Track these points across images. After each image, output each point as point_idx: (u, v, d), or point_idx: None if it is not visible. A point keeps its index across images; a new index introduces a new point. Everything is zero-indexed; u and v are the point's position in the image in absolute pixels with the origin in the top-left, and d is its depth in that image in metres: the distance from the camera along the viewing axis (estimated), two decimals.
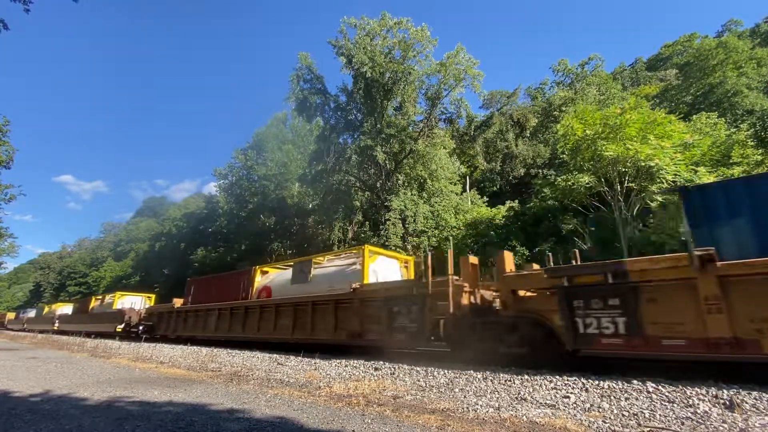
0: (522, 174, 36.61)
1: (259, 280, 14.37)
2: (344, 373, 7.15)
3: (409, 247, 23.75)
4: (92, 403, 5.03)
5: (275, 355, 10.28)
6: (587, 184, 17.99)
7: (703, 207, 6.60)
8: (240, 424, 3.99)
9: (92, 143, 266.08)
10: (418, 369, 7.06)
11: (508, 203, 25.95)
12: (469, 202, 28.96)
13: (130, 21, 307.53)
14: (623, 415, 4.09)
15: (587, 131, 16.83)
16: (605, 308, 5.95)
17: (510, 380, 5.80)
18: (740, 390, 4.58)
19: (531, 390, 5.24)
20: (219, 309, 14.76)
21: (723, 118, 22.82)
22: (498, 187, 38.07)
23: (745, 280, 5.11)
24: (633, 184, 16.57)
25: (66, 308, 34.17)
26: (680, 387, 4.81)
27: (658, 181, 15.07)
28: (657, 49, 58.26)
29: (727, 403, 4.21)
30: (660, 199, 15.81)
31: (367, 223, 31.20)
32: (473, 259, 8.65)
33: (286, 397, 5.36)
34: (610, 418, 4.05)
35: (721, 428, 3.64)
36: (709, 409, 4.09)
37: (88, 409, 4.74)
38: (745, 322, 5.01)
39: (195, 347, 13.81)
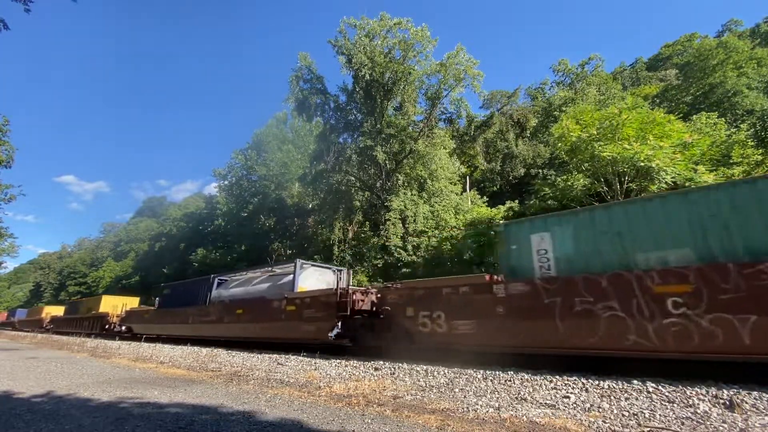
0: (522, 174, 36.58)
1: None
2: (344, 373, 7.15)
3: (409, 247, 23.74)
4: (92, 404, 5.03)
5: (275, 355, 10.30)
6: (582, 187, 18.06)
7: None
8: (240, 424, 3.99)
9: (94, 144, 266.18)
10: (418, 369, 7.06)
11: (508, 203, 25.93)
12: (469, 202, 28.93)
13: (132, 21, 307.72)
14: (623, 415, 4.09)
15: (582, 134, 16.82)
16: None
17: (510, 380, 5.80)
18: (740, 390, 4.58)
19: (531, 390, 5.24)
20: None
21: (723, 118, 22.79)
22: (498, 187, 38.04)
23: None
24: (633, 184, 16.56)
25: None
26: (680, 387, 4.81)
27: (657, 181, 15.05)
28: (657, 49, 58.29)
29: (727, 403, 4.21)
30: None
31: (367, 223, 31.16)
32: None
33: (286, 397, 5.36)
34: (610, 418, 4.05)
35: (721, 428, 3.64)
36: (709, 409, 4.09)
37: (88, 409, 4.74)
38: None
39: (195, 347, 13.81)
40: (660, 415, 4.02)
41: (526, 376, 5.93)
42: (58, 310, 37.95)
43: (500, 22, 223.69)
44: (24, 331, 37.92)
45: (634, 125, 15.78)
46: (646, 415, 4.03)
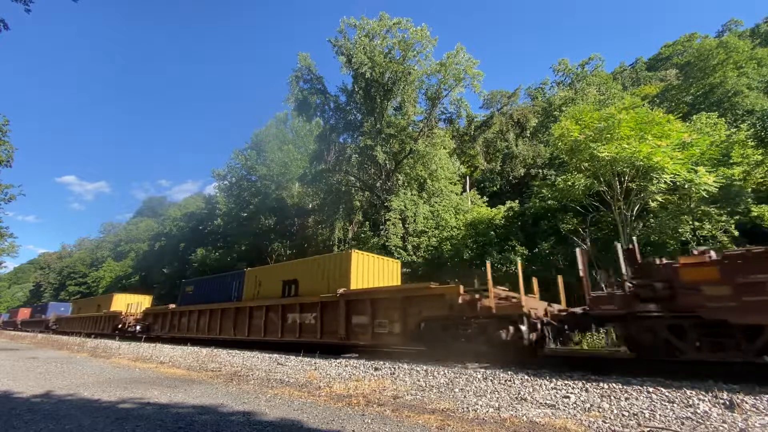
0: (522, 174, 36.55)
1: None
2: (344, 373, 7.14)
3: (409, 247, 23.75)
4: (92, 404, 5.03)
5: (275, 355, 10.29)
6: (583, 187, 18.07)
7: None
8: (240, 423, 3.99)
9: (96, 144, 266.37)
10: (418, 369, 7.05)
11: (508, 203, 25.92)
12: (469, 202, 28.92)
13: (133, 22, 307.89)
14: (623, 415, 4.09)
15: (580, 136, 16.79)
16: None
17: (510, 380, 5.79)
18: (740, 390, 4.58)
19: (531, 390, 5.24)
20: None
21: (723, 118, 22.75)
22: (498, 187, 38.01)
23: None
24: (632, 184, 16.53)
25: None
26: (680, 387, 4.81)
27: (656, 181, 15.01)
28: (657, 49, 58.34)
29: (727, 403, 4.21)
30: (660, 198, 15.75)
31: (367, 223, 31.18)
32: None
33: (286, 397, 5.36)
34: (610, 418, 4.05)
35: (721, 428, 3.64)
36: (709, 409, 4.09)
37: (88, 408, 4.74)
38: None
39: (195, 347, 13.76)
40: (660, 415, 4.02)
41: (526, 376, 5.93)
42: (139, 300, 24.39)
43: (500, 22, 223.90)
44: (74, 335, 24.55)
45: (631, 124, 15.74)
46: (646, 415, 4.03)
